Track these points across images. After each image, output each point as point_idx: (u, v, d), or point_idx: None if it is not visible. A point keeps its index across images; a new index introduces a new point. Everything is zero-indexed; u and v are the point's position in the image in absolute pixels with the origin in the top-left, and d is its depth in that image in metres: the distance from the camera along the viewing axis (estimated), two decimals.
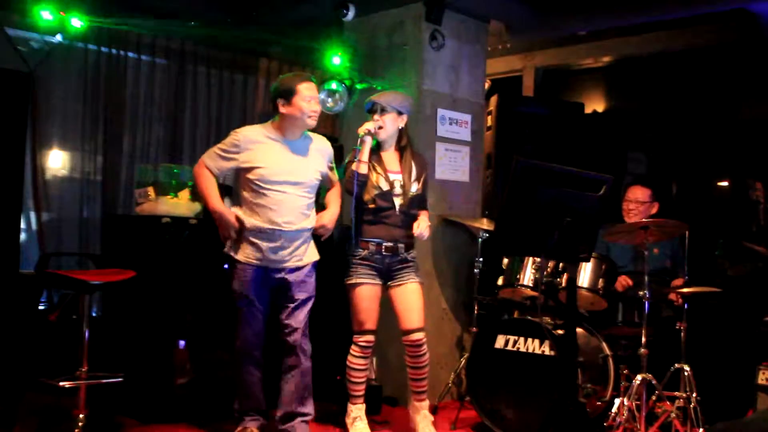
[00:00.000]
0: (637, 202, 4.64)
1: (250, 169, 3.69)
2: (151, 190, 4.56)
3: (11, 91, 4.37)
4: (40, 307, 4.84)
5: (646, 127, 6.46)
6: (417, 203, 4.03)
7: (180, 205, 4.55)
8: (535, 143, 5.68)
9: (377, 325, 4.00)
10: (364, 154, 3.85)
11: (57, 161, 5.32)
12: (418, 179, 4.03)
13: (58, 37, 4.88)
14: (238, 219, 3.70)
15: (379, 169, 3.95)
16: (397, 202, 3.95)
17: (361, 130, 3.89)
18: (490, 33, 5.56)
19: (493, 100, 5.75)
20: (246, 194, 3.73)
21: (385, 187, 3.93)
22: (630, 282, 4.53)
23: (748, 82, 5.84)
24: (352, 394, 4.00)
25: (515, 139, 5.63)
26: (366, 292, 3.91)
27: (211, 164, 3.74)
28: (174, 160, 5.61)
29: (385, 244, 3.92)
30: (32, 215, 5.13)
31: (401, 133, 4.05)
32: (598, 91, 6.92)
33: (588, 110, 6.62)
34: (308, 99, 3.71)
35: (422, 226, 3.95)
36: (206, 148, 5.90)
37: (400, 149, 4.06)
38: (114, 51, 5.41)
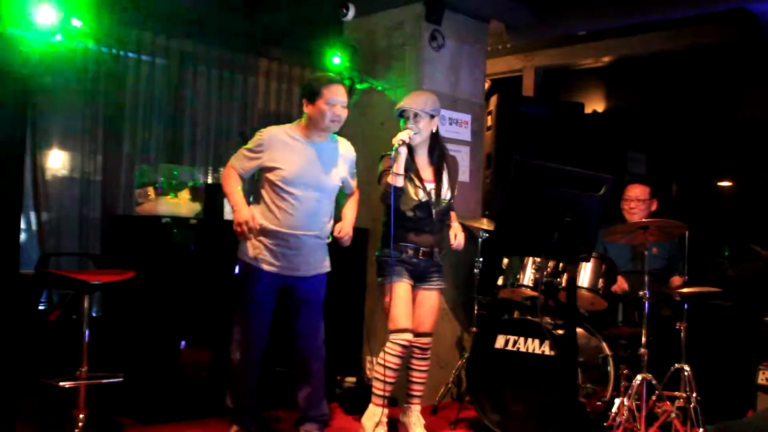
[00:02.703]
0: (638, 201, 4.64)
1: (272, 169, 3.65)
2: (151, 190, 4.56)
3: (11, 92, 4.37)
4: (40, 307, 4.84)
5: (646, 127, 6.46)
6: (448, 207, 4.03)
7: (180, 205, 4.55)
8: (536, 143, 5.68)
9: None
10: (400, 167, 3.75)
11: (57, 161, 5.31)
12: (451, 186, 4.00)
13: (58, 38, 4.87)
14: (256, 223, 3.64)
15: (416, 180, 3.88)
16: (434, 210, 3.91)
17: (396, 141, 3.76)
18: (490, 33, 5.56)
19: (493, 100, 5.75)
20: (266, 194, 3.69)
21: (424, 198, 3.87)
22: (626, 286, 4.53)
23: (749, 82, 5.84)
24: (379, 393, 3.86)
25: (515, 139, 5.63)
26: (404, 290, 3.87)
27: (237, 165, 3.73)
28: (174, 160, 5.61)
29: (422, 249, 3.91)
30: (32, 215, 5.12)
31: (433, 136, 3.98)
32: (598, 91, 6.92)
33: (588, 110, 6.63)
34: (332, 104, 3.63)
35: (459, 238, 3.96)
36: (206, 149, 5.98)
37: (434, 154, 3.98)
38: (114, 51, 5.40)
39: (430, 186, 3.92)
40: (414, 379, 4.04)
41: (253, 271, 3.70)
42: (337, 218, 3.91)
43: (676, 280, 4.59)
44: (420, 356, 4.00)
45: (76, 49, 5.21)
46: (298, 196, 3.64)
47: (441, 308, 4.09)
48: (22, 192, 4.66)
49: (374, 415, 3.86)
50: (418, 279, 3.98)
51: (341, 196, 3.96)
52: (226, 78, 6.05)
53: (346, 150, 3.88)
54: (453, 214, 4.11)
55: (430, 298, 4.01)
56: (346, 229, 3.82)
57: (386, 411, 3.88)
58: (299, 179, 3.65)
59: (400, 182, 3.77)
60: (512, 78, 7.07)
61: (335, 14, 5.16)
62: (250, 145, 3.73)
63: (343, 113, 3.70)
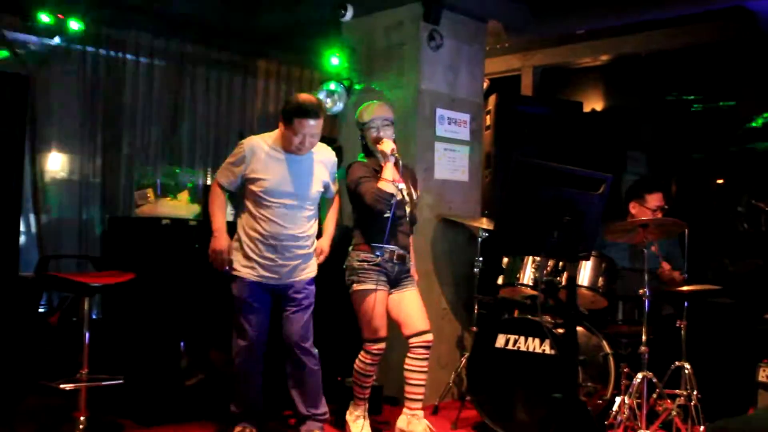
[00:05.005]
0: (662, 210, 4.61)
1: (254, 180, 3.70)
2: (150, 192, 4.56)
3: (10, 94, 4.37)
4: (40, 310, 4.84)
5: (645, 126, 6.46)
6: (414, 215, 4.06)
7: (179, 206, 4.55)
8: (534, 142, 5.68)
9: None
10: (395, 173, 3.82)
11: (56, 164, 5.32)
12: (414, 187, 4.09)
13: (57, 40, 4.88)
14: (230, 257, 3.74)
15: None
16: (407, 210, 3.96)
17: (390, 149, 3.82)
18: (489, 32, 5.56)
19: (492, 99, 5.75)
20: (249, 204, 3.75)
21: (398, 196, 3.91)
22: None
23: (748, 80, 5.84)
24: (358, 396, 4.00)
25: (514, 139, 5.63)
26: (380, 298, 3.86)
27: (223, 181, 3.78)
28: (173, 162, 5.61)
29: (398, 252, 3.92)
30: (32, 218, 5.13)
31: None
32: (597, 89, 6.92)
33: (587, 109, 6.62)
34: (299, 134, 3.64)
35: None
36: (205, 150, 5.99)
37: (397, 160, 3.97)
38: (112, 53, 5.41)
39: (401, 185, 3.94)
40: (415, 382, 3.92)
41: (242, 281, 3.75)
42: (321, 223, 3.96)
43: (676, 275, 4.57)
44: (422, 356, 3.91)
45: (75, 51, 5.22)
46: (280, 205, 3.70)
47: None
48: (21, 194, 4.67)
49: (353, 411, 4.02)
50: (393, 284, 3.98)
51: (322, 201, 3.97)
52: (224, 79, 6.06)
53: (325, 155, 3.91)
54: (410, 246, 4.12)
55: (412, 298, 3.98)
56: (325, 251, 3.93)
57: (365, 406, 4.01)
58: (280, 189, 3.70)
59: (393, 188, 3.82)
60: (511, 77, 7.06)
61: (334, 15, 5.16)
62: (231, 158, 3.78)
63: (313, 141, 3.71)
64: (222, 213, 3.77)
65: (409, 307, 3.96)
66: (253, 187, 3.70)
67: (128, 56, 5.51)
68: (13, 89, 4.45)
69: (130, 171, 5.43)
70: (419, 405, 3.94)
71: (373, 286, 3.84)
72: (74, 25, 4.79)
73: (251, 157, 3.71)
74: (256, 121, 6.19)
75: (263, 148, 3.75)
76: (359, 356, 3.94)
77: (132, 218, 4.80)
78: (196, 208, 4.62)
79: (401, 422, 3.93)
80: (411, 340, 3.93)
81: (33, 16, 4.63)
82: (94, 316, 4.75)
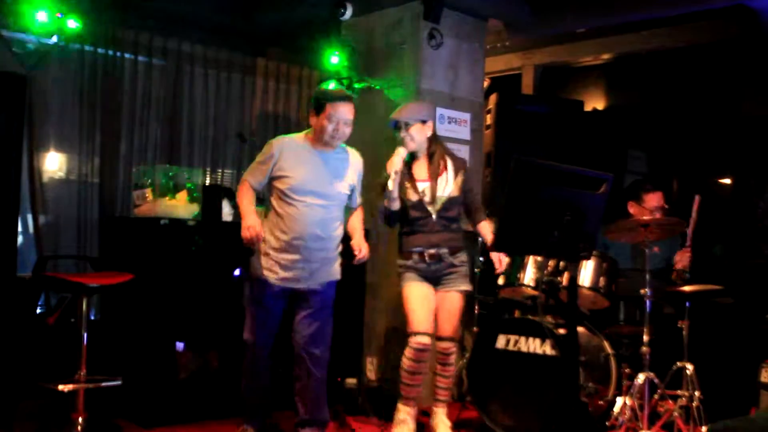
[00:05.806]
0: (662, 210, 4.60)
1: (279, 178, 3.67)
2: (148, 192, 4.54)
3: (7, 94, 4.35)
4: (38, 311, 4.82)
5: (647, 125, 6.44)
6: (456, 205, 4.01)
7: (178, 206, 4.53)
8: (535, 141, 5.66)
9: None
10: (394, 192, 3.86)
11: (54, 163, 5.29)
12: (454, 180, 4.00)
13: (54, 39, 4.86)
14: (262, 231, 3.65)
15: (407, 183, 3.95)
16: (431, 209, 3.94)
17: (390, 169, 3.83)
18: (489, 31, 5.54)
19: (493, 98, 5.73)
20: (275, 202, 3.71)
21: (414, 198, 3.92)
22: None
23: (749, 79, 5.82)
24: (403, 395, 3.95)
25: (515, 138, 5.61)
26: (417, 290, 3.91)
27: (251, 179, 3.74)
28: (172, 162, 5.59)
29: (427, 252, 3.92)
30: (29, 218, 5.10)
31: (429, 139, 4.04)
32: (598, 88, 6.90)
33: (588, 108, 6.60)
34: (335, 120, 3.63)
35: (504, 263, 4.13)
36: (204, 150, 5.96)
37: (432, 156, 4.03)
38: (110, 52, 5.38)
39: (424, 185, 3.95)
40: (437, 383, 4.03)
41: (262, 282, 3.71)
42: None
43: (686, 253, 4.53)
44: (440, 361, 3.98)
45: (73, 51, 5.19)
46: (306, 204, 3.65)
47: (461, 311, 4.02)
48: (19, 194, 4.65)
49: (398, 413, 3.97)
50: (434, 282, 3.98)
51: (345, 211, 3.92)
52: (223, 78, 6.03)
53: (355, 160, 3.89)
54: (483, 224, 4.10)
55: (447, 301, 3.97)
56: (364, 248, 3.81)
57: (410, 410, 3.94)
58: (306, 188, 3.66)
59: (396, 206, 3.90)
60: (511, 76, 7.04)
61: (333, 13, 5.14)
62: (260, 156, 3.75)
63: (346, 130, 3.70)
64: (252, 203, 3.70)
65: (444, 310, 3.98)
66: (279, 185, 3.67)
67: (127, 55, 5.48)
68: (11, 89, 4.44)
69: (128, 171, 5.41)
70: (442, 405, 4.04)
71: (410, 281, 3.93)
72: (72, 24, 4.76)
73: (279, 154, 3.68)
74: (255, 120, 6.16)
75: (292, 146, 3.73)
76: (404, 351, 3.90)
77: (130, 218, 4.78)
78: (194, 208, 4.59)
79: (432, 419, 4.05)
80: (436, 344, 3.99)
81: (30, 16, 4.60)
82: (92, 317, 4.72)
